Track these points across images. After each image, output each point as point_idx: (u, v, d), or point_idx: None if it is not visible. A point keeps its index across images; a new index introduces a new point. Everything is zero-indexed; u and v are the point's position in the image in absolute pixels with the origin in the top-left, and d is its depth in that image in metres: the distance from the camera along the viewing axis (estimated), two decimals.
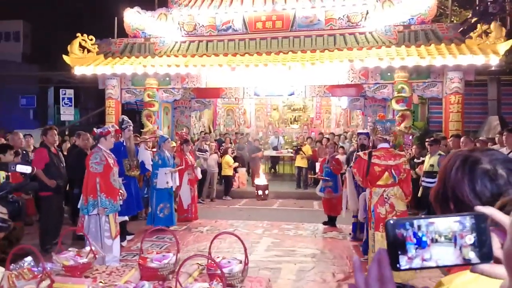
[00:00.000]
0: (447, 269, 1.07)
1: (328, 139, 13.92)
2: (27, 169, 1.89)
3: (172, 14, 13.72)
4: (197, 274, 3.19)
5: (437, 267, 0.83)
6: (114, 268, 3.38)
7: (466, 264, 0.84)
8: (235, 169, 13.89)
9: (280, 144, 17.04)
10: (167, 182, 8.72)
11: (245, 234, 8.23)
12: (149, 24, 13.81)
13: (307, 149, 13.94)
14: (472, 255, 0.83)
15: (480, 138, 10.50)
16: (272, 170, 16.55)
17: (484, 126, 15.67)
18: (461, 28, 7.54)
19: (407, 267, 0.83)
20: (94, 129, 6.81)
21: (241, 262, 3.17)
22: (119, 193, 6.41)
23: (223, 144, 14.13)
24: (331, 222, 9.16)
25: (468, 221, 0.84)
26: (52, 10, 24.17)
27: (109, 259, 5.91)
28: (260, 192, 12.63)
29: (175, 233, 3.48)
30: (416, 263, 0.83)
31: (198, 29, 13.80)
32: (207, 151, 12.08)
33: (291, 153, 15.41)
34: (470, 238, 0.83)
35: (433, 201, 1.27)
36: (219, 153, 13.05)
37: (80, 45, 13.29)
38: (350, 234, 8.24)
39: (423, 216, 0.86)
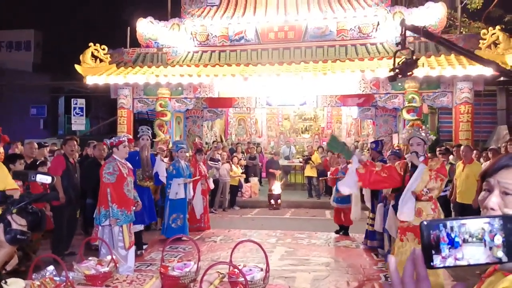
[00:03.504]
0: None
1: None
2: (47, 179, 1.86)
3: (185, 24, 13.85)
4: (218, 282, 3.21)
5: (469, 265, 0.89)
6: (135, 277, 3.40)
7: (496, 263, 0.89)
8: (246, 179, 13.91)
9: (291, 153, 17.07)
10: (177, 193, 8.65)
11: (259, 243, 8.20)
12: (162, 34, 13.93)
13: (316, 157, 13.95)
14: (500, 254, 0.88)
15: (491, 147, 10.48)
16: (284, 179, 16.55)
17: (493, 135, 15.65)
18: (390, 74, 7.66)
19: (441, 265, 0.89)
20: (105, 139, 6.85)
21: (262, 270, 3.19)
22: (134, 203, 6.44)
23: (234, 154, 14.16)
24: (343, 231, 9.19)
25: (497, 222, 0.89)
26: (64, 19, 24.45)
27: (123, 269, 5.91)
28: (272, 202, 12.63)
29: (195, 242, 3.50)
30: (450, 262, 0.88)
31: (210, 39, 13.92)
32: (219, 160, 12.10)
33: (301, 162, 15.43)
34: (499, 238, 0.88)
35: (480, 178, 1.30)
36: (231, 162, 13.07)
37: (92, 55, 13.42)
38: (362, 242, 8.25)
39: (455, 217, 0.91)
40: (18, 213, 1.56)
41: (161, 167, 8.39)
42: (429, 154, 5.74)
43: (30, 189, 4.86)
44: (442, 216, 5.36)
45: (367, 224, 7.97)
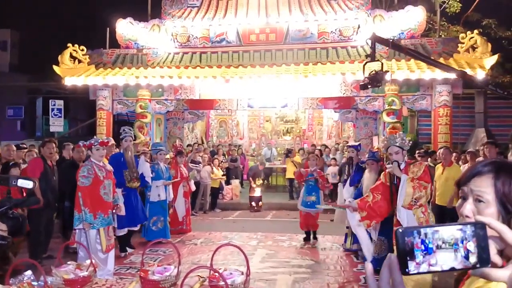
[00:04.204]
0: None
1: (320, 151, 13.98)
2: (28, 183, 1.83)
3: (165, 25, 13.78)
4: (199, 286, 3.18)
5: (442, 271, 0.91)
6: (114, 281, 3.36)
7: (467, 268, 0.93)
8: (227, 181, 13.86)
9: (273, 155, 17.06)
10: (159, 195, 8.63)
11: (240, 246, 8.17)
12: (142, 35, 13.84)
13: (297, 159, 13.98)
14: (472, 260, 0.92)
15: (470, 150, 10.63)
16: (265, 181, 16.54)
17: (471, 138, 15.91)
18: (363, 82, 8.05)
19: (415, 271, 0.91)
20: (81, 141, 6.77)
21: (242, 273, 3.17)
22: (113, 207, 6.36)
23: (215, 156, 14.11)
24: (313, 235, 8.72)
25: (468, 229, 0.93)
26: (42, 19, 24.07)
27: (102, 272, 5.85)
28: (253, 204, 12.61)
29: (176, 246, 3.46)
30: (423, 267, 0.91)
31: (191, 41, 13.87)
32: (200, 162, 12.04)
33: (283, 155, 15.36)
34: (471, 245, 0.92)
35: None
36: (212, 164, 13.01)
37: (71, 56, 13.26)
38: (342, 244, 8.25)
39: (428, 225, 0.96)
40: None
41: (146, 167, 8.33)
42: (408, 160, 5.77)
43: (10, 193, 4.75)
44: (432, 218, 5.44)
45: (346, 227, 7.96)
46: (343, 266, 7.10)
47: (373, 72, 7.77)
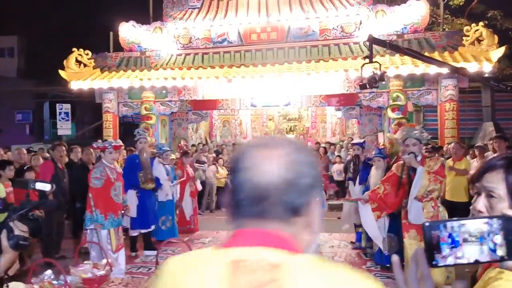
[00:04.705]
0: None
1: (324, 148, 14.01)
2: (46, 186, 1.91)
3: (167, 27, 13.86)
4: None
5: (469, 264, 0.93)
6: (130, 279, 3.44)
7: (494, 261, 0.94)
8: None
9: None
10: (167, 195, 8.71)
11: None
12: (145, 38, 13.94)
13: None
14: (500, 253, 0.93)
15: (478, 144, 10.63)
16: None
17: (479, 132, 15.80)
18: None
19: (442, 264, 0.93)
20: (94, 143, 6.89)
21: None
22: (123, 208, 6.48)
23: (220, 155, 14.17)
24: None
25: (495, 222, 0.93)
26: (47, 25, 24.22)
27: (115, 271, 5.93)
28: None
29: (189, 245, 3.54)
30: (450, 260, 0.92)
31: (193, 42, 13.94)
32: (205, 162, 12.11)
33: None
34: (498, 238, 0.93)
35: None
36: (217, 164, 13.07)
37: (76, 60, 13.39)
38: (351, 242, 8.27)
39: (455, 218, 0.95)
40: (19, 220, 1.60)
41: (160, 169, 8.43)
42: (426, 153, 5.83)
43: (29, 196, 4.85)
44: (444, 213, 5.47)
45: (355, 225, 7.96)
46: (352, 264, 7.08)
47: (371, 74, 8.02)
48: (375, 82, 8.14)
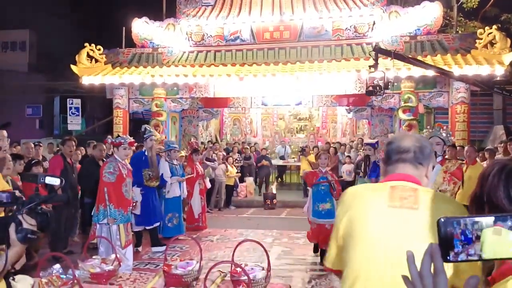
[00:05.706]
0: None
1: (335, 148, 13.96)
2: (55, 181, 1.90)
3: (180, 24, 13.87)
4: (220, 281, 3.24)
5: (479, 260, 0.92)
6: (138, 275, 3.43)
7: (506, 258, 0.94)
8: (241, 179, 13.91)
9: (286, 153, 17.08)
10: (175, 191, 8.75)
11: (261, 243, 8.23)
12: (157, 34, 13.95)
13: (311, 158, 13.96)
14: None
15: (488, 147, 10.56)
16: (279, 179, 16.57)
17: (489, 135, 15.73)
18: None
19: (454, 260, 0.93)
20: (108, 137, 6.92)
21: (263, 269, 3.22)
22: (132, 204, 6.49)
23: (230, 154, 14.18)
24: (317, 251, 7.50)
25: (509, 220, 0.93)
26: (59, 19, 24.30)
27: (122, 267, 5.94)
28: (268, 201, 12.66)
29: (198, 242, 3.53)
30: (462, 257, 0.92)
31: (206, 39, 13.95)
32: (215, 160, 12.12)
33: (297, 153, 15.40)
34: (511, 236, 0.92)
35: (470, 203, 1.37)
36: (226, 162, 13.08)
37: (88, 55, 13.43)
38: None
39: (468, 215, 0.95)
40: (28, 214, 1.59)
41: (165, 167, 8.45)
42: (447, 155, 5.83)
43: (38, 190, 4.88)
44: None
45: None
46: None
47: (377, 81, 8.48)
48: (380, 89, 8.65)
